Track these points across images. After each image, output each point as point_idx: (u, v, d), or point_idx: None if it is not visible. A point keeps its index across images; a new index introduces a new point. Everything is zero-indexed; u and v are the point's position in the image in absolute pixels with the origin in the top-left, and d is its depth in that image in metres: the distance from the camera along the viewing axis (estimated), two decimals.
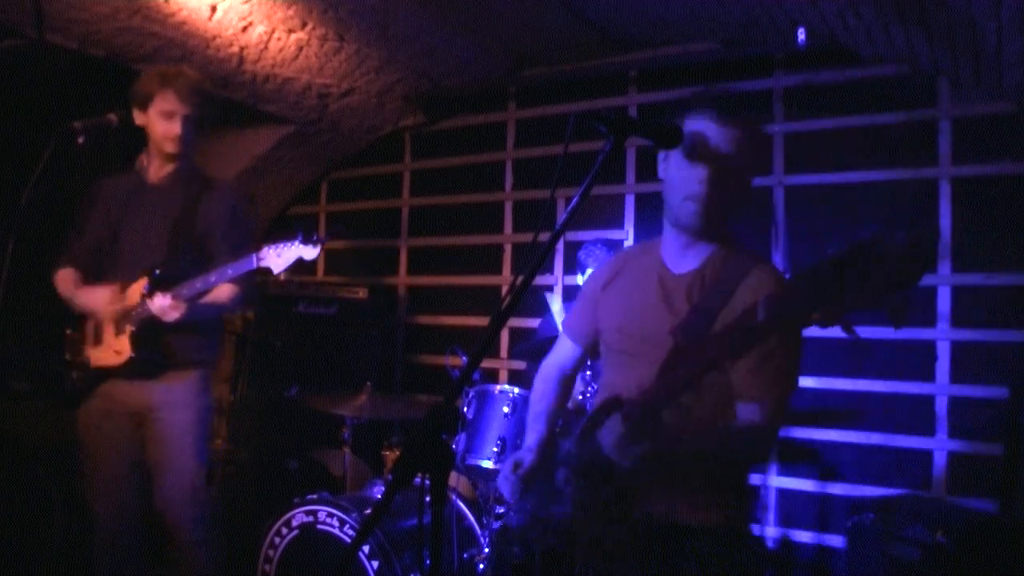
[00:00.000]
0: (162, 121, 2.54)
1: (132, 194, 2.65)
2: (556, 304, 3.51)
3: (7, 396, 3.49)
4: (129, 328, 2.52)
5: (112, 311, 2.53)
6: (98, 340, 2.60)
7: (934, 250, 1.54)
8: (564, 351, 1.97)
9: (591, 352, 1.91)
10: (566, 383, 1.98)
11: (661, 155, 1.72)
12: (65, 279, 2.64)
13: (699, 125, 1.62)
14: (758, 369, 1.57)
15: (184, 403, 2.59)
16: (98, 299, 2.54)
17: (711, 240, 1.69)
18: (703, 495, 1.66)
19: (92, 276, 2.63)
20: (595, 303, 1.86)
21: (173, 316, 2.38)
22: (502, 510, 2.75)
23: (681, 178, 1.64)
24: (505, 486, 1.81)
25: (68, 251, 2.69)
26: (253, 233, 2.63)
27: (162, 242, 2.57)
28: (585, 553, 1.64)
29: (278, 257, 2.33)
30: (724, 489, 1.69)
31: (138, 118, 2.57)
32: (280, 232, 2.37)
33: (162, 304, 2.37)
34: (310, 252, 2.31)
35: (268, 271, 2.36)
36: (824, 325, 1.21)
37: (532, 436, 1.88)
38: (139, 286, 2.51)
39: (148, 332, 2.51)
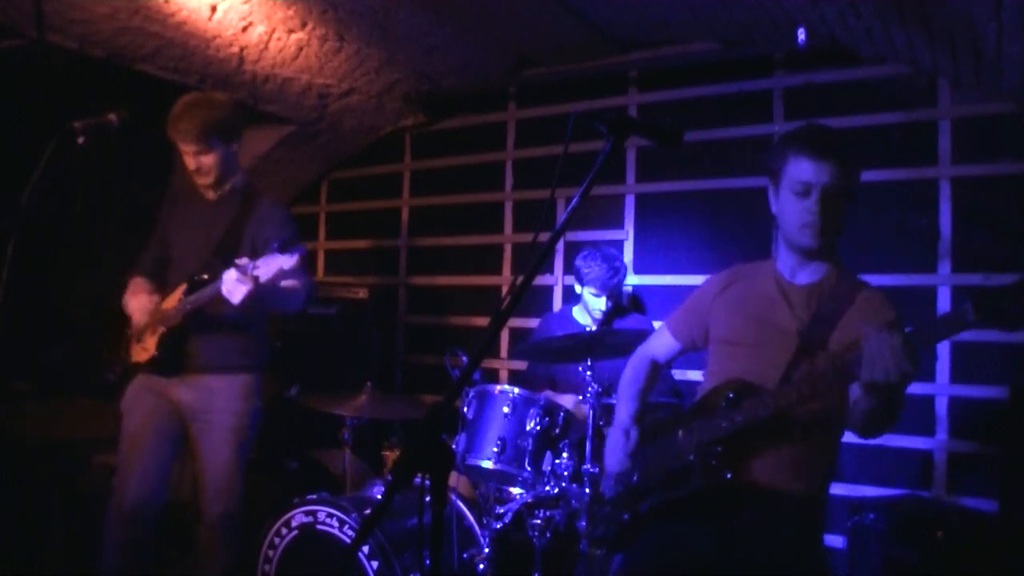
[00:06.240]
0: (187, 158, 2.68)
1: (189, 209, 2.81)
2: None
3: (7, 396, 3.49)
4: (161, 329, 2.65)
5: (146, 320, 2.68)
6: (140, 339, 2.74)
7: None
8: (662, 343, 2.26)
9: (688, 350, 2.22)
10: (655, 370, 2.28)
11: (771, 191, 1.98)
12: (131, 286, 2.80)
13: (802, 162, 1.85)
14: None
15: (226, 406, 2.69)
16: (135, 308, 2.71)
17: (823, 259, 1.95)
18: (796, 464, 1.90)
19: (160, 283, 2.79)
20: (706, 310, 2.11)
21: (241, 293, 2.37)
22: (502, 510, 2.75)
23: (794, 209, 1.88)
24: (612, 456, 2.10)
25: (139, 260, 2.87)
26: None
27: (207, 254, 2.68)
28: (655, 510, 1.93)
29: (265, 267, 2.39)
30: (814, 463, 1.94)
31: None
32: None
33: (230, 280, 2.38)
34: (287, 261, 2.35)
35: (256, 280, 2.40)
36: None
37: (626, 411, 2.19)
38: (179, 291, 2.65)
39: (175, 334, 2.64)
